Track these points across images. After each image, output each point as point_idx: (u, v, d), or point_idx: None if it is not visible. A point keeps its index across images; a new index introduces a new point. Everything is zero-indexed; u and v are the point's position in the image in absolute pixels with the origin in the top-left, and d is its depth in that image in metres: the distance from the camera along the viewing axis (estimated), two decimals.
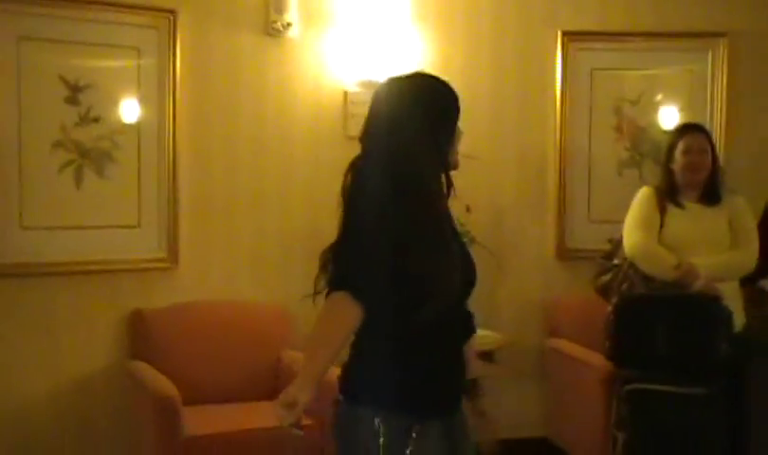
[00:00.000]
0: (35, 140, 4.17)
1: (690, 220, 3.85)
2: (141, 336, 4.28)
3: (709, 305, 3.53)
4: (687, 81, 5.03)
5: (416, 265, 2.18)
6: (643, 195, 3.96)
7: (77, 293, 4.31)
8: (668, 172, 3.95)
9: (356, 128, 4.71)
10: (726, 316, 3.54)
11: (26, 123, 4.14)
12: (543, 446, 4.81)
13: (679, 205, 3.88)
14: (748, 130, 4.97)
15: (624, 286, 3.89)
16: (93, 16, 4.25)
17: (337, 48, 4.74)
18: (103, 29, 4.29)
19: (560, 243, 5.02)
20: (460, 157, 2.36)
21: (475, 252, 3.95)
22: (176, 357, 4.21)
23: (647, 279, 3.80)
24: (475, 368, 2.50)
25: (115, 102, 4.34)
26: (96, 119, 4.28)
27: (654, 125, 5.01)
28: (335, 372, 2.32)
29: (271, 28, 4.60)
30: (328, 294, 2.25)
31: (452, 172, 2.34)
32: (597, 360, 4.06)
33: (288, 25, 4.61)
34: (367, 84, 4.76)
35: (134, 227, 4.43)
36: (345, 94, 4.77)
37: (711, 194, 3.85)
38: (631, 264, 3.89)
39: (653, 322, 3.57)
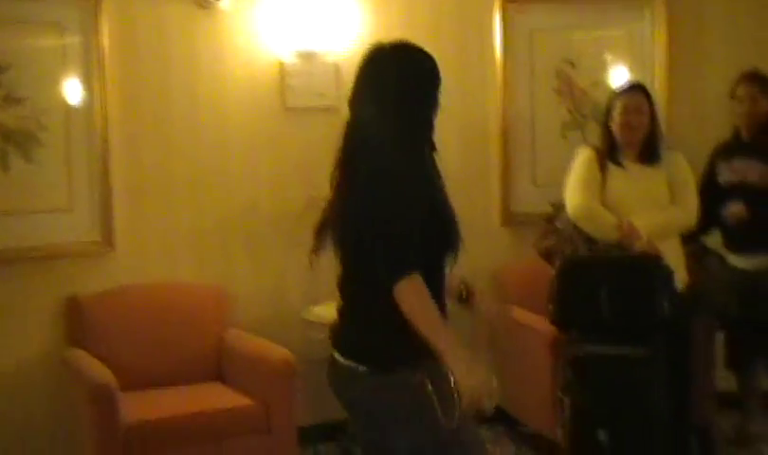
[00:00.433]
0: None
1: (630, 180, 3.81)
2: (77, 322, 4.16)
3: (650, 265, 3.49)
4: (627, 40, 4.99)
5: (441, 223, 2.36)
6: (583, 156, 3.91)
7: (9, 280, 4.18)
8: (608, 132, 3.91)
9: (295, 99, 4.64)
10: (667, 275, 3.51)
11: None
12: (494, 414, 4.76)
13: (619, 164, 3.85)
14: (689, 88, 4.94)
15: (567, 249, 3.85)
16: None
17: (271, 19, 4.61)
18: (22, 5, 4.14)
19: (505, 209, 4.97)
20: None
21: None
22: (114, 343, 4.11)
23: (590, 241, 3.76)
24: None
25: (39, 82, 4.19)
26: (19, 101, 4.12)
27: (596, 86, 4.96)
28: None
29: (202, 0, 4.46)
30: (398, 278, 2.24)
31: None
32: (543, 325, 4.02)
33: None
34: (304, 55, 4.66)
35: (66, 211, 4.29)
36: (281, 65, 4.66)
37: (650, 154, 3.82)
38: (575, 227, 3.84)
39: (596, 285, 3.52)
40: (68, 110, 4.25)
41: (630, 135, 3.79)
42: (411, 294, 2.23)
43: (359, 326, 2.39)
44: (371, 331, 2.36)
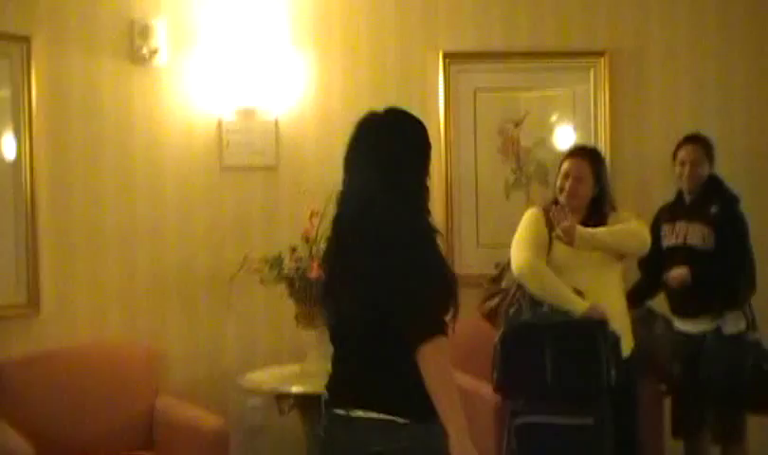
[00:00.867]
0: None
1: None
2: None
3: (596, 330, 3.40)
4: (571, 100, 4.96)
5: (447, 286, 2.44)
6: (531, 215, 3.83)
7: None
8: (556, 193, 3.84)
9: (233, 158, 4.53)
10: (613, 341, 3.42)
11: None
12: None
13: None
14: (632, 149, 4.91)
15: (512, 310, 3.75)
16: None
17: (209, 75, 4.52)
18: None
19: None
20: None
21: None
22: (37, 412, 3.89)
23: (534, 303, 3.66)
24: None
25: None
26: None
27: (540, 145, 4.92)
28: None
29: (136, 55, 4.35)
30: (424, 340, 2.28)
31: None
32: (488, 392, 3.89)
33: (155, 51, 4.37)
34: (243, 112, 4.56)
35: None
36: (220, 122, 4.54)
37: (592, 222, 3.72)
38: (519, 287, 3.74)
39: (540, 350, 3.42)
40: None
41: (569, 200, 3.72)
42: (436, 356, 2.29)
43: (389, 380, 2.39)
44: (405, 384, 2.35)
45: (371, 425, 2.39)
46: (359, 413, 2.40)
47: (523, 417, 3.46)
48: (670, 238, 4.09)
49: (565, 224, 3.56)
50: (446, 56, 4.80)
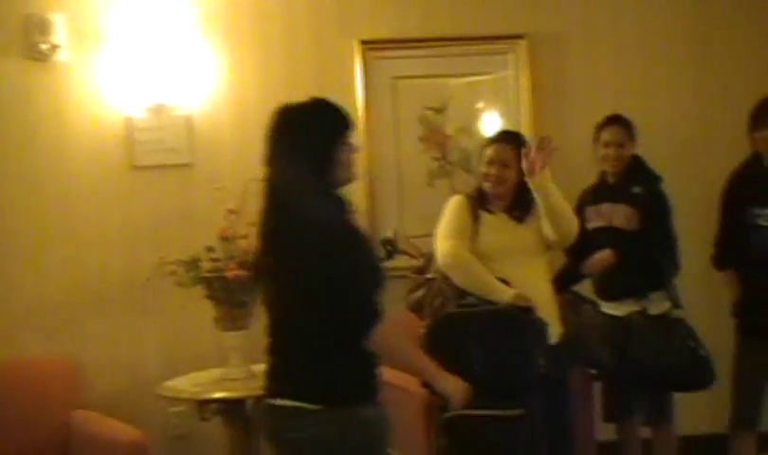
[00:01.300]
0: None
1: (502, 229, 3.64)
2: None
3: (522, 319, 3.31)
4: (492, 85, 4.88)
5: (372, 263, 2.60)
6: (454, 203, 3.73)
7: None
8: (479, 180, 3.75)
9: (145, 156, 4.34)
10: (540, 328, 3.35)
11: None
12: None
13: (491, 213, 3.67)
14: (555, 133, 4.76)
15: (437, 301, 3.65)
16: None
17: (116, 72, 4.33)
18: None
19: None
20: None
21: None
22: None
23: (460, 292, 3.56)
24: None
25: None
26: None
27: (463, 132, 4.84)
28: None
29: (36, 52, 4.15)
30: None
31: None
32: (417, 387, 3.79)
33: (55, 47, 4.17)
34: (154, 109, 4.38)
35: None
36: (128, 120, 4.36)
37: (518, 208, 3.64)
38: (445, 277, 3.65)
39: (466, 341, 3.32)
40: None
41: (493, 188, 3.63)
42: (384, 339, 2.51)
43: (301, 368, 2.49)
44: (317, 371, 2.46)
45: (285, 412, 2.47)
46: (278, 401, 2.50)
47: (451, 410, 3.35)
48: (595, 220, 4.04)
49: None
50: (363, 43, 4.68)
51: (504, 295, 3.43)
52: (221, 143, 4.48)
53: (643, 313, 3.92)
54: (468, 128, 4.84)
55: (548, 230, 3.58)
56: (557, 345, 3.56)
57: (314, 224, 2.43)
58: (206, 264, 3.92)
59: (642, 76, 4.87)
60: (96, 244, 4.30)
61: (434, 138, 4.84)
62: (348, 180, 2.61)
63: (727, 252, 4.01)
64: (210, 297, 3.94)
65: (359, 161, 4.51)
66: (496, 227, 3.63)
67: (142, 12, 4.31)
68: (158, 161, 4.39)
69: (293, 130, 2.52)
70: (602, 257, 3.93)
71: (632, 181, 4.02)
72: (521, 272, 3.54)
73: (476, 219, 3.62)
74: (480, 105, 4.87)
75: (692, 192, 4.81)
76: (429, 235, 3.83)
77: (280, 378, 2.53)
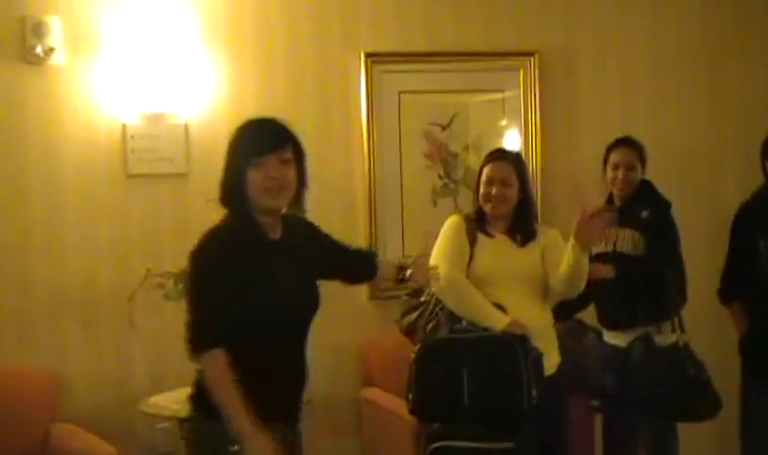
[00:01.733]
0: None
1: (500, 253, 3.48)
2: None
3: (515, 348, 3.15)
4: (500, 102, 4.75)
5: (254, 297, 2.52)
6: (451, 224, 3.59)
7: None
8: (478, 201, 3.60)
9: (140, 165, 4.23)
10: (535, 358, 3.18)
11: None
12: None
13: (489, 235, 3.52)
14: (563, 153, 4.72)
15: (430, 326, 3.50)
16: None
17: (112, 77, 4.22)
18: None
19: (373, 281, 4.60)
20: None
21: None
22: None
23: (453, 317, 3.41)
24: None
25: None
26: None
27: (468, 150, 4.70)
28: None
29: (30, 55, 4.04)
30: (197, 355, 2.48)
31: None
32: (407, 413, 3.63)
33: (51, 50, 4.07)
34: (150, 117, 4.27)
35: None
36: (124, 128, 4.24)
37: (520, 230, 3.49)
38: (439, 301, 3.51)
39: (456, 371, 3.17)
40: None
41: (494, 208, 3.48)
42: (207, 371, 2.43)
43: (196, 378, 2.55)
44: (201, 381, 2.50)
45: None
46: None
47: (439, 442, 3.20)
48: (599, 245, 3.87)
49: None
50: (367, 56, 4.56)
51: (499, 322, 3.28)
52: (218, 154, 4.23)
53: (646, 341, 3.74)
54: (474, 146, 4.70)
55: (556, 282, 3.40)
56: (553, 376, 3.40)
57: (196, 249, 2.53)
58: None
59: (653, 95, 4.76)
60: (84, 254, 4.17)
61: (439, 155, 4.71)
62: (263, 205, 2.54)
63: (735, 285, 3.81)
64: None
65: (361, 176, 4.53)
66: (494, 250, 3.48)
67: (141, 17, 4.20)
68: (153, 170, 4.27)
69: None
70: (601, 267, 3.73)
71: (641, 205, 3.85)
72: (519, 298, 3.38)
73: (473, 242, 3.47)
74: (487, 123, 4.73)
75: (702, 217, 4.67)
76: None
77: None
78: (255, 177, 2.50)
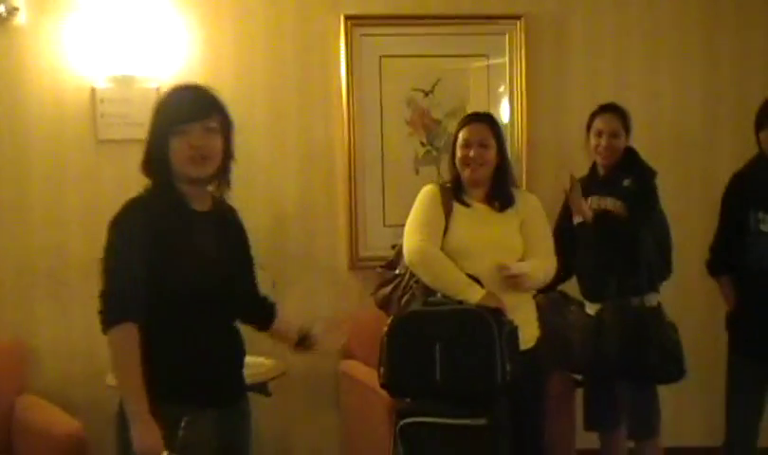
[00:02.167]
0: None
1: (477, 222, 3.36)
2: None
3: (489, 321, 3.01)
4: (485, 68, 4.59)
5: (177, 266, 2.43)
6: (425, 194, 3.45)
7: None
8: (454, 168, 3.47)
9: (110, 130, 4.09)
10: (509, 331, 3.05)
11: None
12: None
13: (465, 204, 3.39)
14: (550, 119, 4.56)
15: (404, 299, 3.39)
16: None
17: (80, 38, 4.09)
18: None
19: (353, 251, 4.49)
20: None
21: None
22: None
23: (428, 290, 3.29)
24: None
25: None
26: None
27: (452, 117, 4.53)
28: None
29: None
30: (106, 329, 2.40)
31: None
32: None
33: (14, 9, 3.95)
34: (120, 80, 4.15)
35: None
36: (93, 91, 4.11)
37: (499, 195, 3.37)
38: (414, 274, 3.39)
39: (428, 345, 3.03)
40: None
41: (472, 172, 3.35)
42: (111, 345, 2.34)
43: None
44: None
45: None
46: None
47: (410, 417, 3.08)
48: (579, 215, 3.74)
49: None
50: (348, 19, 4.41)
51: (473, 294, 3.15)
52: None
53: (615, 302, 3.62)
54: (458, 112, 4.50)
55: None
56: (531, 350, 3.28)
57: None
58: None
59: (647, 64, 4.58)
60: (52, 222, 4.07)
61: (422, 122, 4.57)
62: (187, 174, 2.43)
63: (724, 257, 3.68)
64: None
65: (341, 144, 4.40)
66: (471, 220, 3.35)
67: None
68: (124, 136, 4.13)
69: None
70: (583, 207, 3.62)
71: (624, 174, 3.70)
72: (495, 270, 3.25)
73: (449, 212, 3.34)
74: (471, 88, 4.58)
75: (695, 191, 4.53)
76: None
77: None
78: (178, 145, 2.40)
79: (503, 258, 3.26)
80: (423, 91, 4.55)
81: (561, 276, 3.80)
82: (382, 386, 3.18)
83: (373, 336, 3.97)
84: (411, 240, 3.34)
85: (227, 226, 2.57)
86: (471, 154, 3.35)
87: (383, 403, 3.57)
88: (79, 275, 4.06)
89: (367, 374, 3.96)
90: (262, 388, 3.78)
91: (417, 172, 4.56)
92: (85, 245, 4.07)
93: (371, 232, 4.52)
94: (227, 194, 2.56)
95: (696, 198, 4.49)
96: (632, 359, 3.57)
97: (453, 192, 3.42)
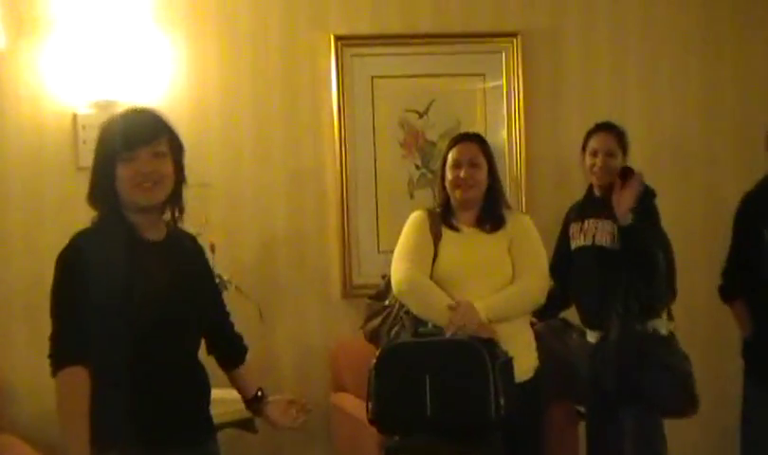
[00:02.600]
0: None
1: (466, 247, 3.23)
2: None
3: (482, 352, 2.85)
4: (481, 87, 4.45)
5: (131, 303, 2.28)
6: (413, 220, 3.34)
7: None
8: (443, 191, 3.34)
9: (90, 156, 3.93)
10: (503, 363, 2.89)
11: None
12: None
13: (454, 229, 3.25)
14: (548, 139, 4.41)
15: (393, 331, 3.24)
16: None
17: (60, 62, 3.96)
18: None
19: (346, 279, 4.33)
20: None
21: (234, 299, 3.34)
22: None
23: (417, 321, 3.14)
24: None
25: None
26: None
27: (446, 139, 4.35)
28: None
29: None
30: (54, 372, 2.24)
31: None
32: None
33: None
34: (103, 105, 4.00)
35: None
36: (74, 117, 3.99)
37: (490, 217, 3.24)
38: (403, 305, 3.24)
39: (418, 376, 2.87)
40: None
41: (462, 193, 3.23)
42: (57, 390, 2.20)
43: None
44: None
45: None
46: None
47: (400, 454, 2.92)
48: (578, 238, 3.58)
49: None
50: (337, 39, 4.27)
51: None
52: None
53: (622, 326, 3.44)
54: (453, 134, 4.30)
55: None
56: (529, 382, 3.12)
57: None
58: None
59: (645, 80, 4.44)
60: (30, 252, 3.92)
61: (416, 144, 4.42)
62: (135, 203, 2.30)
63: (738, 282, 3.49)
64: None
65: (332, 166, 4.25)
66: (460, 245, 3.23)
67: None
68: None
69: None
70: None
71: None
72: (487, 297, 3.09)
73: (438, 238, 3.22)
74: (467, 109, 4.43)
75: (699, 210, 4.37)
76: None
77: None
78: (125, 173, 2.26)
79: (495, 283, 3.15)
80: (417, 112, 4.40)
81: (560, 304, 3.67)
82: (370, 422, 3.01)
83: (365, 368, 3.82)
84: (398, 269, 3.22)
85: (183, 254, 2.41)
86: (462, 174, 3.24)
87: (374, 439, 3.39)
88: None
89: (358, 407, 3.79)
90: (248, 424, 3.60)
91: (412, 195, 4.40)
92: None
93: (364, 259, 4.35)
94: (181, 221, 2.42)
95: (700, 218, 4.33)
96: (633, 383, 3.38)
97: (442, 217, 3.31)
